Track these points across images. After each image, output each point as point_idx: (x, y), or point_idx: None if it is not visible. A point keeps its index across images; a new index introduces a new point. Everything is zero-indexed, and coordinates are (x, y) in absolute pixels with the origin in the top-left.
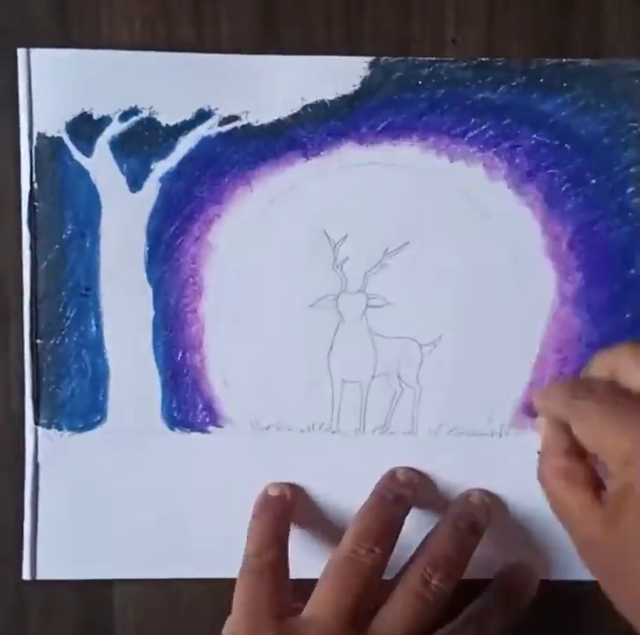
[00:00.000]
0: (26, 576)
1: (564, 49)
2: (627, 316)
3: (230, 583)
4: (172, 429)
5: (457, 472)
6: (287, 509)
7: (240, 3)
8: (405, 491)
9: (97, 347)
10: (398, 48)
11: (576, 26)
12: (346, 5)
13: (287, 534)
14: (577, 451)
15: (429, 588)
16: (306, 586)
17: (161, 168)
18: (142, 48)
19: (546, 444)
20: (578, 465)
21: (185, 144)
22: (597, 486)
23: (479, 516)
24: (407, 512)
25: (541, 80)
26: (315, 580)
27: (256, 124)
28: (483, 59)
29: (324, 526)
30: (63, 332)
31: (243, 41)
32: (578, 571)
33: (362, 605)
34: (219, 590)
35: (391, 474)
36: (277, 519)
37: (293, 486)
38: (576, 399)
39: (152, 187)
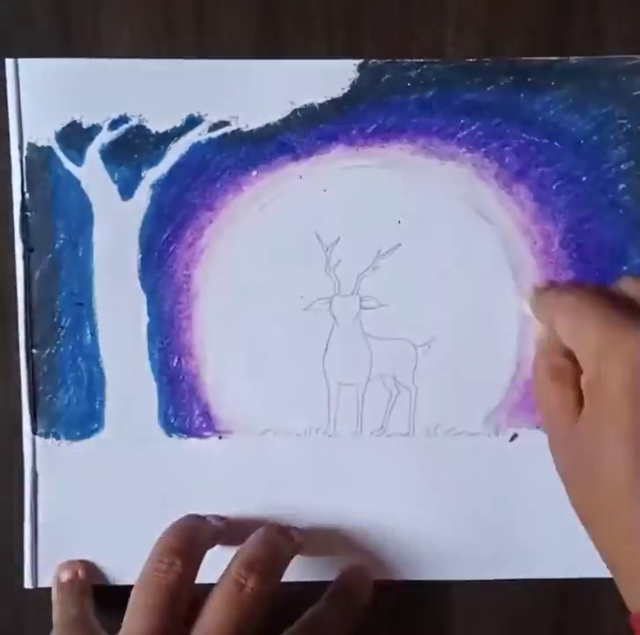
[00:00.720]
0: (27, 584)
1: (562, 49)
2: None
3: None
4: (169, 435)
5: (454, 472)
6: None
7: (241, 10)
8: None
9: (92, 355)
10: (398, 50)
11: (574, 27)
12: (345, 8)
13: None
14: (568, 352)
15: (244, 592)
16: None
17: (152, 175)
18: (130, 55)
19: (541, 344)
20: (568, 365)
21: (175, 150)
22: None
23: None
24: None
25: (529, 79)
26: (317, 583)
27: (245, 129)
28: (471, 60)
29: (323, 530)
30: (58, 342)
31: (238, 46)
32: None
33: (173, 621)
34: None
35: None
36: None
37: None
38: (561, 296)
39: (143, 194)
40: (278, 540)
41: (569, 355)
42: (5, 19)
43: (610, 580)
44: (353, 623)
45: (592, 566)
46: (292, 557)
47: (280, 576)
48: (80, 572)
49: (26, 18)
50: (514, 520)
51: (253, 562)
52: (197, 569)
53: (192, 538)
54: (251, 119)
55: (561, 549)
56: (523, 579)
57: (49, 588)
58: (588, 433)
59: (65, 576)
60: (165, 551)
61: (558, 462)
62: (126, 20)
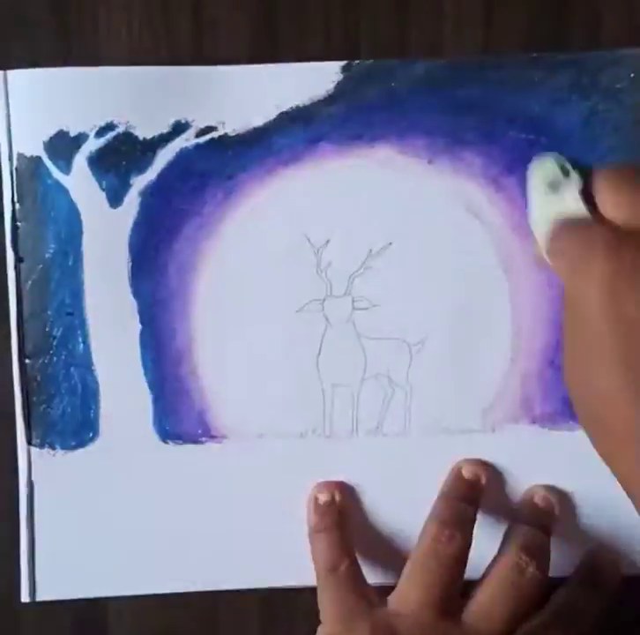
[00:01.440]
0: (24, 598)
1: (560, 47)
2: None
3: (231, 597)
4: (165, 441)
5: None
6: (343, 512)
7: (240, 12)
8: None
9: (86, 364)
10: (395, 49)
11: (573, 24)
12: (343, 8)
13: (351, 538)
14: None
15: (525, 575)
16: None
17: (140, 182)
18: (115, 63)
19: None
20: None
21: (163, 157)
22: None
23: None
24: (479, 498)
25: (514, 76)
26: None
27: (232, 134)
28: (456, 58)
29: None
30: (51, 351)
31: (235, 47)
32: None
33: (449, 594)
34: (219, 605)
35: (456, 472)
36: (338, 526)
37: (339, 484)
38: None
39: (132, 202)
40: (549, 526)
41: None
42: (2, 23)
43: None
44: (601, 609)
45: None
46: None
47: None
48: (337, 495)
49: (23, 19)
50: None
51: (533, 547)
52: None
53: (465, 509)
54: (238, 124)
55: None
56: None
57: (47, 602)
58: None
59: (324, 496)
60: (445, 524)
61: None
62: (125, 21)
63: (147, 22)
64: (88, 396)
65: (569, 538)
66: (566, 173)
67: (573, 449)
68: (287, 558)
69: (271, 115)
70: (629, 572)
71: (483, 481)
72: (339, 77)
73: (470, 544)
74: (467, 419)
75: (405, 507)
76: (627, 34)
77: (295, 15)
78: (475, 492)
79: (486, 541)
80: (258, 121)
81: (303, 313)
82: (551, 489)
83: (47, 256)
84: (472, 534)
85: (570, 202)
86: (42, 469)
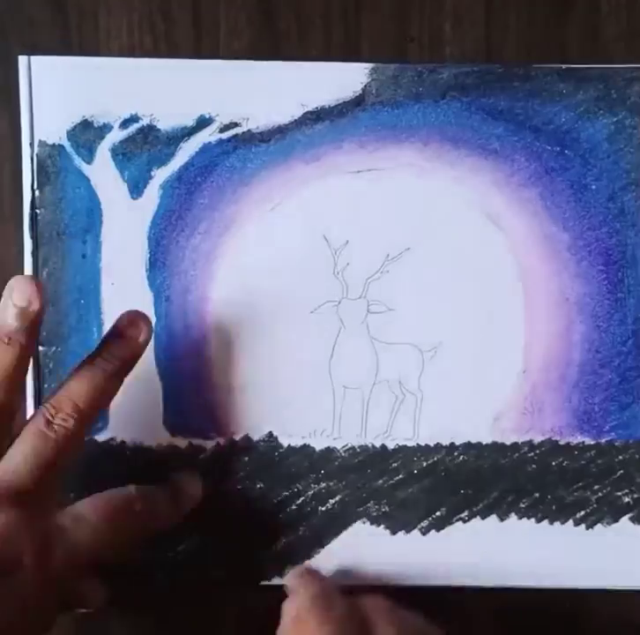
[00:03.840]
0: None
1: (560, 51)
2: (629, 320)
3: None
4: (174, 435)
5: (458, 478)
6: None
7: (239, 9)
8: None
9: None
10: (396, 51)
11: (573, 28)
12: (343, 8)
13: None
14: None
15: (52, 427)
16: None
17: (162, 174)
18: (142, 54)
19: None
20: None
21: (186, 150)
22: None
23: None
24: None
25: (542, 86)
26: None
27: (256, 131)
28: (484, 65)
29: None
30: (64, 340)
31: (243, 46)
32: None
33: None
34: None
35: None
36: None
37: None
38: (313, 607)
39: (152, 194)
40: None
41: None
42: (4, 18)
43: None
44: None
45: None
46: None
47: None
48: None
49: (22, 15)
50: (522, 526)
51: (64, 399)
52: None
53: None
54: (262, 120)
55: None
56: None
57: None
58: None
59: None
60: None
61: None
62: (125, 17)
63: (146, 20)
64: None
65: None
66: None
67: (579, 462)
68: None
69: (296, 113)
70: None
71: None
72: (367, 79)
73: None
74: (477, 428)
75: (411, 512)
76: (627, 35)
77: (295, 12)
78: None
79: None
80: (283, 119)
81: (318, 314)
82: None
83: (65, 244)
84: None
85: None
86: None
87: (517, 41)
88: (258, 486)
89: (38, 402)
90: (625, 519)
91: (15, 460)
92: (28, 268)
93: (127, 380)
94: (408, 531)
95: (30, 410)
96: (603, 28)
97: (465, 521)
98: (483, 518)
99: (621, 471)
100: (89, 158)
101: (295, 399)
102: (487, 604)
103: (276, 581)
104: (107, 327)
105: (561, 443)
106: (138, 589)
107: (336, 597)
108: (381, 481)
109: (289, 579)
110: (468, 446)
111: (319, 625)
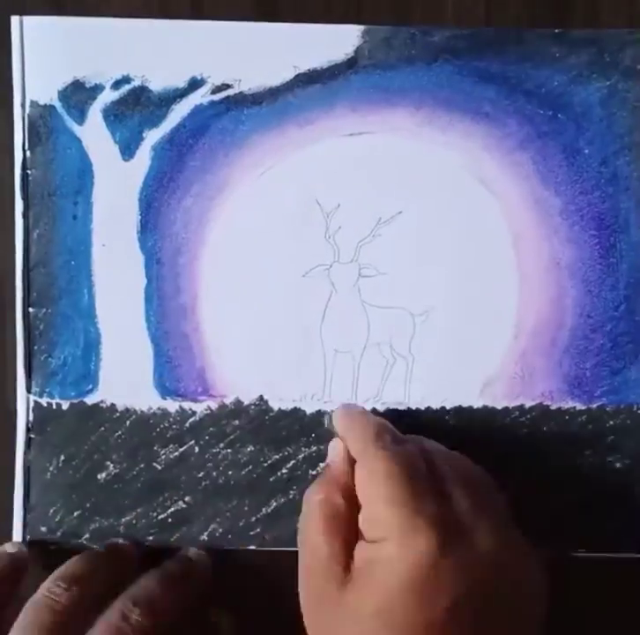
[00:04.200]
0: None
1: (561, 17)
2: (621, 285)
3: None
4: (164, 398)
5: (448, 443)
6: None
7: None
8: None
9: (89, 315)
10: (397, 16)
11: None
12: None
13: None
14: (354, 497)
15: (129, 622)
16: None
17: (154, 136)
18: (135, 15)
19: (331, 471)
20: (348, 511)
21: (177, 112)
22: (354, 541)
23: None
24: None
25: (534, 50)
26: None
27: (248, 93)
28: (477, 28)
29: None
30: (55, 301)
31: (237, 8)
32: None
33: None
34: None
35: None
36: None
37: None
38: (377, 441)
39: (144, 155)
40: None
41: (353, 499)
42: None
43: None
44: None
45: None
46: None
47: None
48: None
49: None
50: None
51: (141, 596)
52: (97, 598)
53: (95, 567)
54: (254, 83)
55: (557, 522)
56: None
57: (39, 545)
58: (353, 611)
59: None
60: (64, 576)
61: (310, 625)
62: None
63: None
64: (90, 348)
65: None
66: None
67: (569, 428)
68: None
69: (289, 75)
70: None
71: None
72: (359, 41)
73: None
74: (468, 393)
75: None
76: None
77: None
78: None
79: None
80: (275, 81)
81: (309, 278)
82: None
83: (56, 205)
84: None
85: None
86: (40, 417)
87: (518, 7)
88: (248, 449)
89: (28, 364)
90: (615, 485)
91: None
92: (19, 229)
93: (117, 342)
94: None
95: (20, 373)
96: None
97: None
98: None
99: (612, 436)
100: (80, 119)
101: (286, 362)
102: None
103: (266, 546)
104: (97, 289)
105: (552, 408)
106: None
107: (398, 434)
108: None
109: (336, 419)
110: (459, 410)
111: (388, 463)
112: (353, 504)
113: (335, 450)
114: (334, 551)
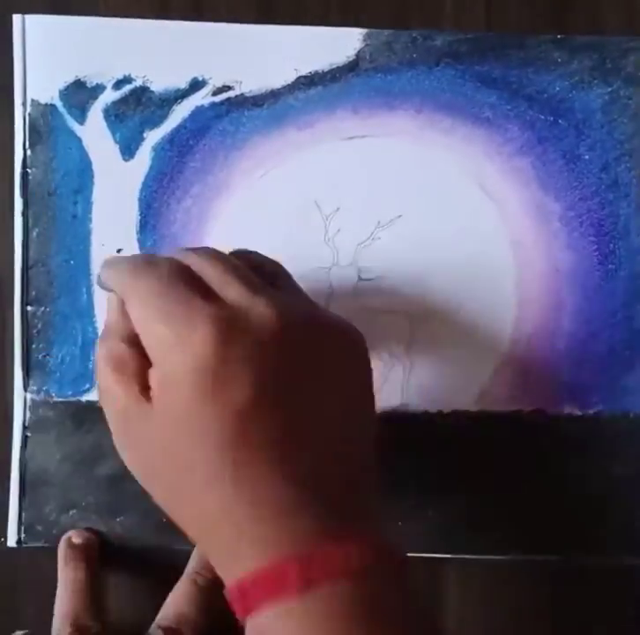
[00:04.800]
0: (11, 543)
1: (562, 23)
2: (619, 292)
3: None
4: None
5: (445, 449)
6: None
7: None
8: None
9: (87, 314)
10: (396, 19)
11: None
12: None
13: None
14: (134, 338)
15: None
16: None
17: (154, 136)
18: (137, 16)
19: (108, 324)
20: (132, 353)
21: (178, 113)
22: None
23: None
24: None
25: (536, 55)
26: None
27: (249, 95)
28: (479, 32)
29: None
30: (53, 300)
31: (239, 10)
32: None
33: None
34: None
35: None
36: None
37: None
38: (136, 276)
39: (144, 155)
40: None
41: (134, 340)
42: None
43: None
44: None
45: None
46: None
47: None
48: (92, 538)
49: None
50: (506, 497)
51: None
52: None
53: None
54: (255, 84)
55: (555, 528)
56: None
57: (35, 548)
58: (160, 434)
59: (78, 539)
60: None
61: (129, 459)
62: None
63: None
64: (88, 347)
65: None
66: None
67: (566, 434)
68: None
69: (290, 78)
70: None
71: None
72: (361, 44)
73: None
74: (465, 398)
75: (398, 484)
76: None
77: None
78: None
79: None
80: (276, 83)
81: (308, 280)
82: None
83: (55, 204)
84: None
85: None
86: (37, 416)
87: (519, 12)
88: None
89: (26, 363)
90: (613, 492)
91: None
92: (18, 227)
93: None
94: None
95: (17, 372)
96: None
97: None
98: None
99: (609, 443)
100: (81, 118)
101: None
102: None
103: None
104: (95, 288)
105: (549, 414)
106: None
107: (154, 256)
108: None
109: (101, 273)
110: (456, 416)
111: (145, 283)
112: (137, 344)
113: (109, 303)
114: (132, 391)
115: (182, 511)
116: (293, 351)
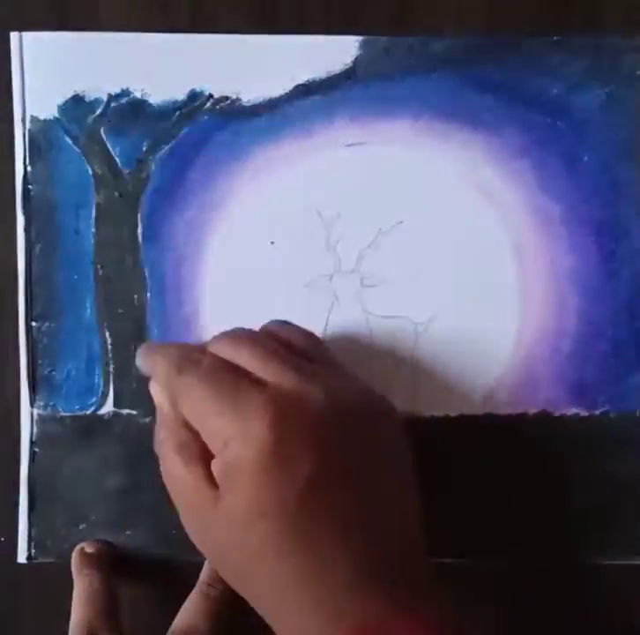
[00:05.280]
0: (21, 559)
1: (561, 25)
2: (622, 291)
3: None
4: None
5: (453, 453)
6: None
7: None
8: None
9: (92, 328)
10: (396, 23)
11: (574, 3)
12: None
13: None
14: (191, 425)
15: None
16: None
17: (154, 149)
18: (134, 29)
19: (162, 414)
20: (193, 438)
21: (177, 125)
22: (210, 461)
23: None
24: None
25: (533, 57)
26: None
27: (247, 105)
28: (476, 37)
29: None
30: (58, 315)
31: (236, 21)
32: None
33: None
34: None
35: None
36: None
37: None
38: (181, 373)
39: (144, 168)
40: None
41: (194, 429)
42: None
43: None
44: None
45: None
46: None
47: None
48: (104, 549)
49: None
50: (508, 499)
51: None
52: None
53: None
54: (253, 94)
55: (562, 529)
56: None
57: (45, 563)
58: (227, 518)
59: (91, 549)
60: None
61: (199, 542)
62: None
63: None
64: (93, 361)
65: None
66: None
67: (572, 435)
68: None
69: (288, 87)
70: None
71: None
72: (358, 51)
73: None
74: (470, 401)
75: None
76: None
77: None
78: None
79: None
80: (274, 92)
81: (311, 288)
82: None
83: (57, 219)
84: None
85: None
86: (45, 431)
87: (516, 13)
88: None
89: (32, 378)
90: (620, 492)
91: None
92: (21, 243)
93: (120, 355)
94: None
95: (23, 388)
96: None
97: None
98: None
99: (616, 443)
100: (81, 133)
101: None
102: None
103: None
104: (99, 302)
105: (555, 415)
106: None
107: (195, 347)
108: None
109: (139, 361)
110: (462, 419)
111: (195, 386)
112: (194, 430)
113: (154, 392)
114: (198, 476)
115: (251, 590)
116: (345, 430)
